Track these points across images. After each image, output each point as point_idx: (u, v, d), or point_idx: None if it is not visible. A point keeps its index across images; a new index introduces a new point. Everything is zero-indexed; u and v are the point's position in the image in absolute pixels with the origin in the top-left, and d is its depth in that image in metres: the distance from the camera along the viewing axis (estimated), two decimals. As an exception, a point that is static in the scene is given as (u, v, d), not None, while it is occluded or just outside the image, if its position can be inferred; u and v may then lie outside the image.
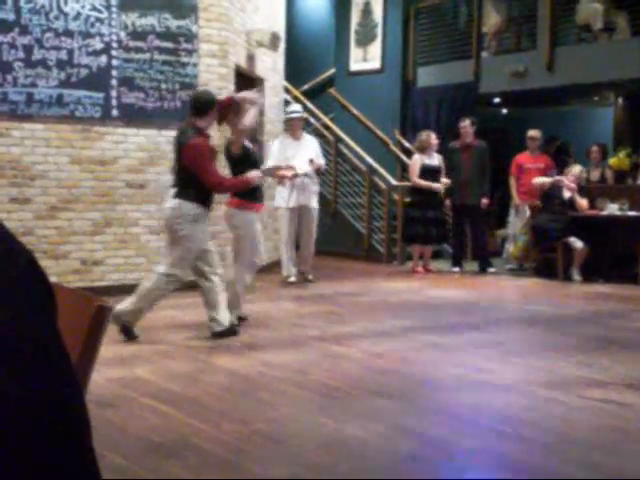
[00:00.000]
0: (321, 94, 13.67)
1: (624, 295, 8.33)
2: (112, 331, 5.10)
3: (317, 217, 8.98)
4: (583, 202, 9.48)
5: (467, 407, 4.10)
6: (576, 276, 9.24)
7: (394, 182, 11.21)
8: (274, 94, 10.23)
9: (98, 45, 7.50)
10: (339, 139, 12.21)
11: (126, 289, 7.61)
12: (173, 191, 5.70)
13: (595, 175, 10.20)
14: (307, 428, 3.72)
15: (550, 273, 9.47)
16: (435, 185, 9.77)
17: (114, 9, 7.56)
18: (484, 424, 3.81)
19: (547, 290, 8.78)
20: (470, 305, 6.97)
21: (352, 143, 12.05)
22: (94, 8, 7.45)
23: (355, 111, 12.76)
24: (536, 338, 6.04)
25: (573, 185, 9.48)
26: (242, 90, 9.00)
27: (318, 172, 9.15)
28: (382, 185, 11.38)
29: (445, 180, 9.91)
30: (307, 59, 13.98)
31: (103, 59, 7.53)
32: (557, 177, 9.66)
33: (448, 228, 10.39)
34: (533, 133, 10.51)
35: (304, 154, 8.64)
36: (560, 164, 10.46)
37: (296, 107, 9.46)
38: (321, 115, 12.67)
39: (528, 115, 14.47)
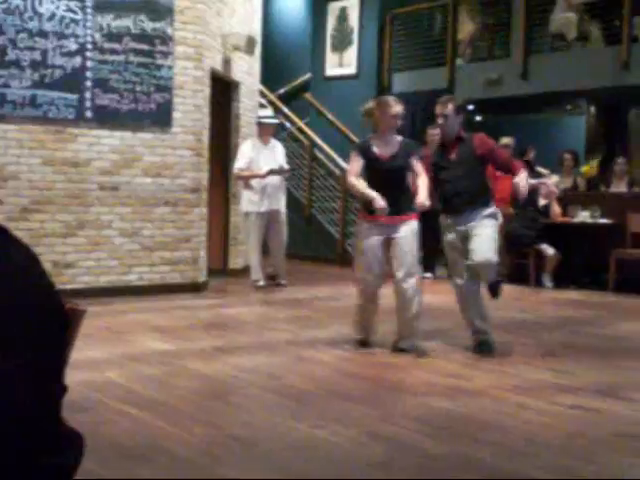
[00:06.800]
0: (296, 98, 13.69)
1: (595, 302, 8.42)
2: (84, 334, 5.07)
3: (286, 221, 9.02)
4: (557, 209, 9.57)
5: (439, 412, 4.12)
6: (547, 283, 9.33)
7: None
8: (250, 98, 10.22)
9: (73, 46, 7.45)
10: (314, 143, 12.22)
11: (98, 292, 7.58)
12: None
13: (567, 183, 10.29)
14: (279, 432, 3.71)
15: (522, 279, 9.55)
16: None
17: (89, 10, 7.52)
18: (456, 429, 3.83)
19: (519, 296, 8.83)
20: (442, 311, 6.99)
21: (327, 148, 12.07)
22: (69, 9, 7.40)
23: (330, 116, 12.79)
24: (507, 344, 6.08)
25: (554, 189, 9.56)
26: (217, 93, 9.01)
27: (285, 177, 9.29)
28: (357, 190, 11.39)
29: None
30: (283, 63, 13.99)
31: (77, 60, 7.48)
32: (540, 180, 9.74)
33: None
34: (506, 141, 10.57)
35: (272, 159, 8.72)
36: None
37: (268, 112, 9.52)
38: (296, 119, 12.68)
39: (502, 122, 14.58)
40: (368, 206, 5.49)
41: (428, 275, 10.12)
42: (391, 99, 5.82)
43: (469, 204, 5.51)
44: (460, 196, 5.54)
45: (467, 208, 5.53)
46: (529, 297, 8.79)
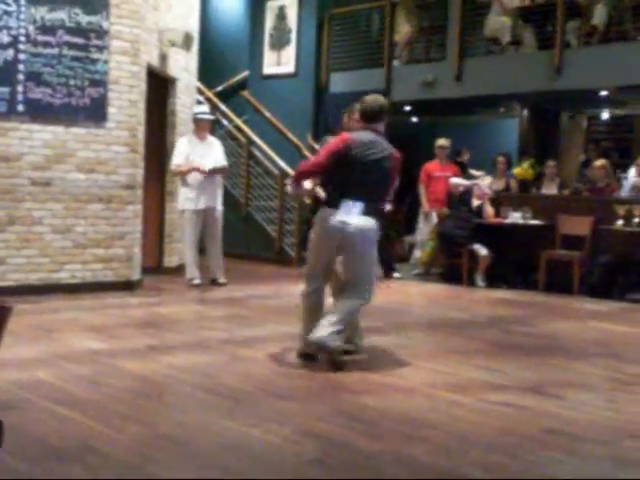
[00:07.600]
0: (234, 96, 13.63)
1: (525, 301, 8.59)
2: (13, 332, 4.96)
3: (222, 219, 8.96)
4: (490, 210, 9.74)
5: (371, 410, 4.15)
6: (480, 282, 9.48)
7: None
8: (187, 94, 10.14)
9: (5, 38, 7.28)
10: (251, 142, 12.19)
11: (28, 290, 7.43)
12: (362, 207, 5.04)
13: (500, 184, 10.47)
14: (212, 431, 3.70)
15: (456, 279, 9.69)
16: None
17: (22, 2, 7.35)
18: (388, 426, 3.87)
19: (452, 295, 8.97)
20: (375, 309, 7.03)
21: (265, 146, 12.05)
22: (2, 0, 7.23)
23: (268, 114, 12.77)
24: (440, 342, 6.17)
25: (488, 191, 9.73)
26: (154, 88, 8.92)
27: (223, 175, 9.23)
28: (293, 189, 11.39)
29: None
30: (221, 60, 13.92)
31: (10, 53, 7.31)
32: (474, 181, 9.90)
33: None
34: (442, 142, 10.73)
35: (209, 155, 8.68)
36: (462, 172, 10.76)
37: (204, 108, 9.49)
38: (234, 117, 12.63)
39: (437, 124, 14.78)
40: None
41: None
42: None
43: None
44: None
45: None
46: (462, 296, 8.93)
